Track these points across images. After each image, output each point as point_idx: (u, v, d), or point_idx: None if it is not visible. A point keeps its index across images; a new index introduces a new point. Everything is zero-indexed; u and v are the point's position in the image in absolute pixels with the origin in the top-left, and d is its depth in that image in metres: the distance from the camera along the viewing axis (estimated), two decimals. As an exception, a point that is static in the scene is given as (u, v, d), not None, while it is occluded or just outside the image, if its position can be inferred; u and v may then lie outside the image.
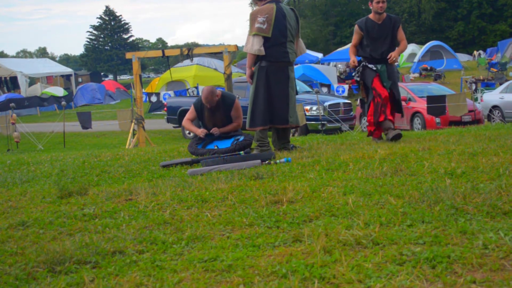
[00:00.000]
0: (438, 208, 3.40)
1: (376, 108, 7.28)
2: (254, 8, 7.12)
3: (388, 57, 7.37)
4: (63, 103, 21.24)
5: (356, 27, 7.68)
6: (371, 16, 7.64)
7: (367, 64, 7.50)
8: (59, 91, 39.51)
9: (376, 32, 7.52)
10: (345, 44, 46.28)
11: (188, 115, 7.79)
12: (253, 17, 6.89)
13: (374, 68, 7.41)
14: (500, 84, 22.19)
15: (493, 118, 18.29)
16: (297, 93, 7.35)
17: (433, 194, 3.66)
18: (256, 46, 6.80)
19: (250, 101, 7.01)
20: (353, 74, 7.72)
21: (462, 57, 47.90)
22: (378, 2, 7.47)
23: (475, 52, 51.00)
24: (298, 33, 7.22)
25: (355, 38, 7.69)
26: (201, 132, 7.44)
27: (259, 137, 6.98)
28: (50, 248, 3.13)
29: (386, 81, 7.37)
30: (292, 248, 2.95)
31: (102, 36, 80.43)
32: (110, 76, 79.84)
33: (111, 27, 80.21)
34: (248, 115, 6.99)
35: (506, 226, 2.98)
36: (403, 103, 17.66)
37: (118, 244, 3.20)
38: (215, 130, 7.41)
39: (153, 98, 26.89)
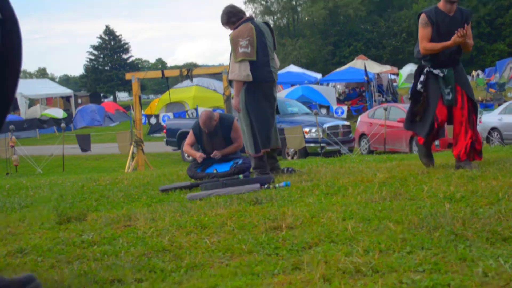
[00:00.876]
0: (438, 234, 3.39)
1: (433, 131, 6.26)
2: (230, 32, 6.90)
3: (459, 33, 5.92)
4: (63, 125, 21.28)
5: (424, 17, 6.16)
6: (440, 5, 6.20)
7: (431, 70, 6.21)
8: (58, 113, 39.61)
9: (447, 26, 6.09)
10: (344, 64, 46.47)
11: (187, 140, 7.80)
12: (235, 42, 6.67)
13: (441, 74, 6.14)
14: (499, 105, 22.26)
15: (492, 140, 18.31)
16: (278, 112, 7.27)
17: (433, 220, 3.65)
18: (245, 72, 6.60)
19: (247, 127, 6.82)
20: (418, 87, 6.26)
21: (461, 77, 47.98)
22: None
23: (474, 73, 51.26)
24: (275, 47, 7.07)
25: (426, 32, 6.14)
26: (199, 156, 7.43)
27: (258, 165, 6.84)
28: (48, 277, 3.12)
29: (451, 89, 6.12)
30: (292, 276, 2.94)
31: (101, 56, 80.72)
32: (110, 98, 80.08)
33: (111, 47, 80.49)
34: (250, 141, 6.80)
35: (506, 252, 2.97)
36: (402, 124, 17.75)
37: (116, 272, 3.19)
38: (215, 154, 7.40)
39: (153, 120, 26.97)
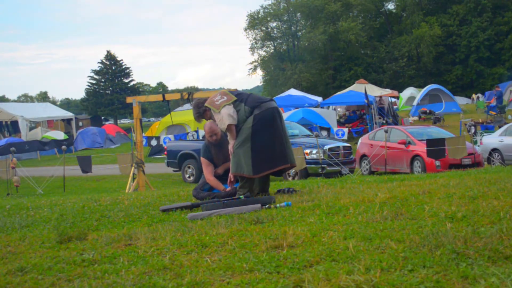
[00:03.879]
0: (439, 253, 3.38)
1: None
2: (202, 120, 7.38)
3: None
4: (64, 147, 21.27)
5: None
6: None
7: None
8: (59, 135, 39.66)
9: None
10: (345, 87, 46.66)
11: (205, 171, 7.61)
12: (210, 103, 6.93)
13: None
14: (499, 127, 22.29)
15: (493, 161, 18.33)
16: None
17: (434, 239, 3.64)
18: (230, 116, 6.73)
19: (247, 149, 6.72)
20: None
21: (461, 100, 48.24)
22: None
23: (474, 96, 51.46)
24: None
25: None
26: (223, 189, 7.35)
27: (246, 185, 6.81)
28: (48, 295, 3.10)
29: None
30: (293, 293, 2.93)
31: (103, 80, 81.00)
32: (111, 121, 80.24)
33: (112, 71, 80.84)
34: (249, 162, 6.69)
35: (508, 270, 2.96)
36: (402, 146, 17.82)
37: (117, 290, 3.17)
38: (217, 172, 7.40)
39: (153, 142, 26.98)
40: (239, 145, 6.81)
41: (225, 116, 6.73)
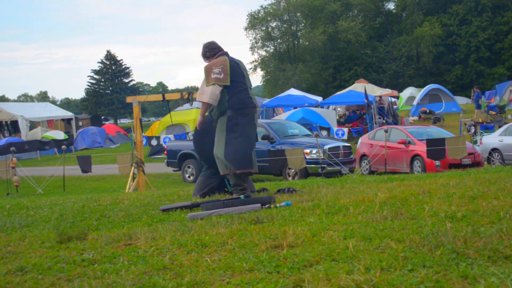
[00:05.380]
0: (439, 252, 3.38)
1: None
2: (207, 63, 7.22)
3: None
4: (63, 147, 21.26)
5: None
6: None
7: None
8: (59, 135, 39.62)
9: None
10: (345, 87, 46.64)
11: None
12: (208, 70, 6.94)
13: None
14: (499, 127, 22.28)
15: (493, 160, 18.33)
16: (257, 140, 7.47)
17: (434, 238, 3.64)
18: (213, 96, 6.80)
19: (233, 147, 6.88)
20: None
21: (461, 100, 48.20)
22: None
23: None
24: (250, 85, 7.28)
25: None
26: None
27: (239, 182, 6.94)
28: (48, 294, 3.10)
29: None
30: (293, 293, 2.92)
31: (103, 80, 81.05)
32: (111, 120, 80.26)
33: (112, 71, 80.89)
34: (237, 158, 6.88)
35: (508, 270, 2.96)
36: (402, 146, 17.82)
37: (117, 290, 3.17)
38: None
39: (153, 142, 26.98)
40: (216, 147, 6.99)
41: (209, 95, 6.83)
